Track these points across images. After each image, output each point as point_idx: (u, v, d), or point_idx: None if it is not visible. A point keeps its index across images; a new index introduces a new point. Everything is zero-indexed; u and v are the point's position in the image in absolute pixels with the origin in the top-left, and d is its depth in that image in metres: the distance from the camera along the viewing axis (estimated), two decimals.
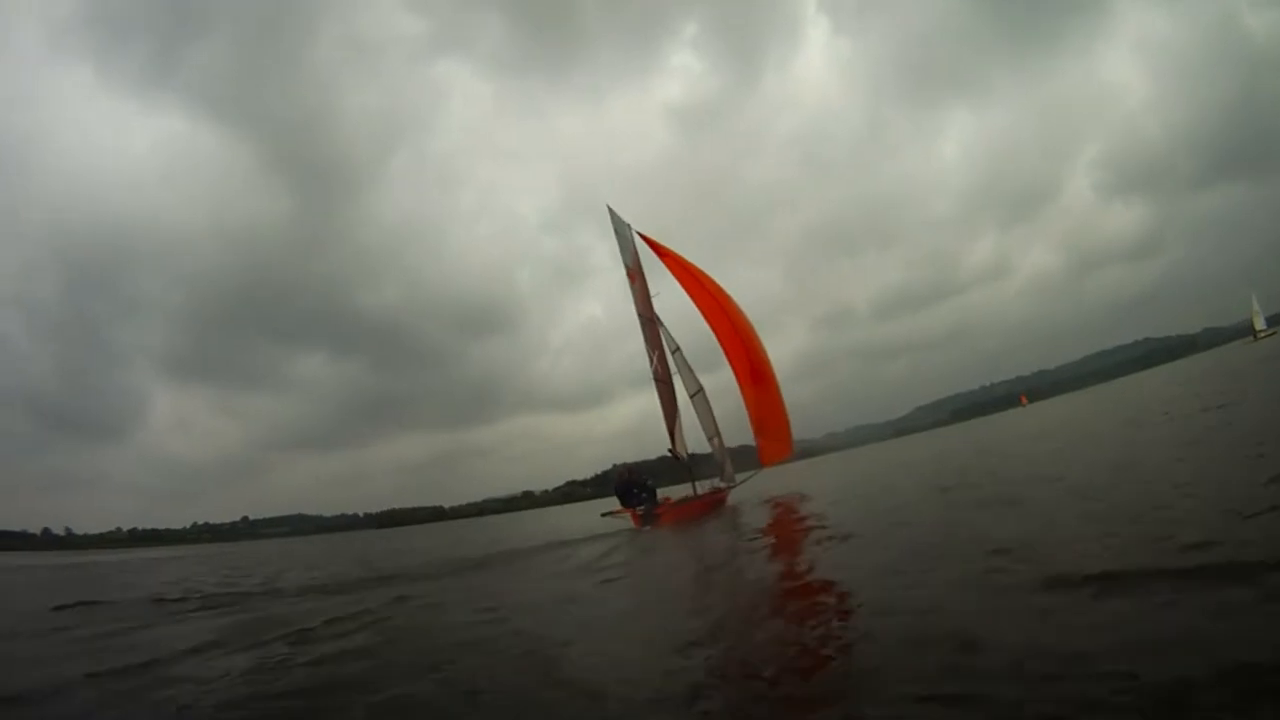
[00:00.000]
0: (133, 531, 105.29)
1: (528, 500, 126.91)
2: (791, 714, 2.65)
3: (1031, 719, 2.16)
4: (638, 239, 16.77)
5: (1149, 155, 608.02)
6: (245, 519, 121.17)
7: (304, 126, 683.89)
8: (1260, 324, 59.66)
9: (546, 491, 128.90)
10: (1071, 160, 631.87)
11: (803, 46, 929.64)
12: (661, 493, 15.57)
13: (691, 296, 16.23)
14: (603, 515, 15.96)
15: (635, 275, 16.63)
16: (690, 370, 16.34)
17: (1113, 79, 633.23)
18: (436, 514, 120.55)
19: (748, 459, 16.71)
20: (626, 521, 15.04)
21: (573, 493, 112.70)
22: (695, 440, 16.37)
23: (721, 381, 16.52)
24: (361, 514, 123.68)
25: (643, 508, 14.77)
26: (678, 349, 16.38)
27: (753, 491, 16.20)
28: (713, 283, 16.34)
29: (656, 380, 16.27)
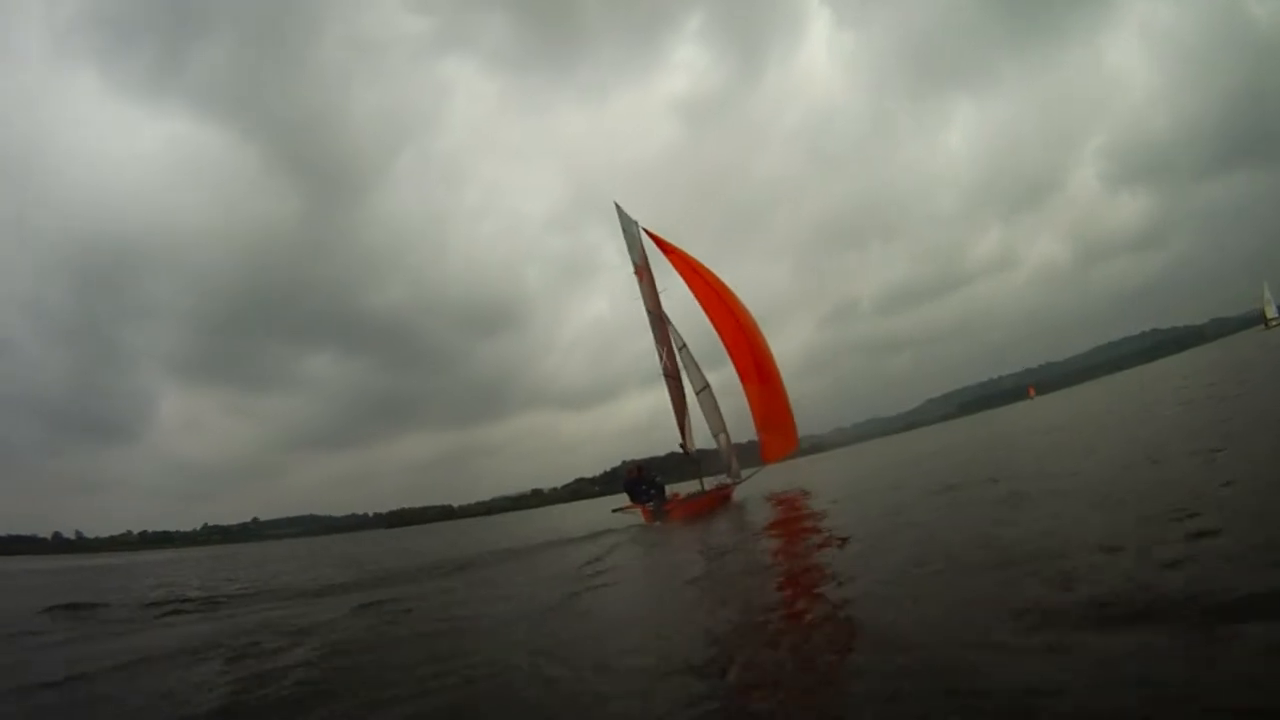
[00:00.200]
0: (143, 534, 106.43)
1: (536, 498, 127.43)
2: None
3: None
4: (644, 236, 16.77)
5: (1154, 145, 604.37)
6: (255, 520, 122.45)
7: (309, 127, 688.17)
8: (1271, 312, 59.11)
9: (555, 489, 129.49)
10: (1077, 150, 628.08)
11: (806, 39, 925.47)
12: (669, 489, 15.68)
13: (695, 293, 16.20)
14: (614, 511, 16.38)
15: (643, 272, 16.62)
16: (696, 366, 16.32)
17: (1117, 68, 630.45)
18: (445, 513, 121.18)
19: (751, 455, 16.68)
20: (637, 517, 15.33)
21: (581, 490, 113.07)
22: (701, 436, 16.46)
23: (725, 378, 16.53)
24: (371, 514, 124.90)
25: (653, 504, 15.02)
26: (684, 346, 16.38)
27: (757, 488, 16.17)
28: (716, 279, 16.28)
29: (666, 376, 16.33)
